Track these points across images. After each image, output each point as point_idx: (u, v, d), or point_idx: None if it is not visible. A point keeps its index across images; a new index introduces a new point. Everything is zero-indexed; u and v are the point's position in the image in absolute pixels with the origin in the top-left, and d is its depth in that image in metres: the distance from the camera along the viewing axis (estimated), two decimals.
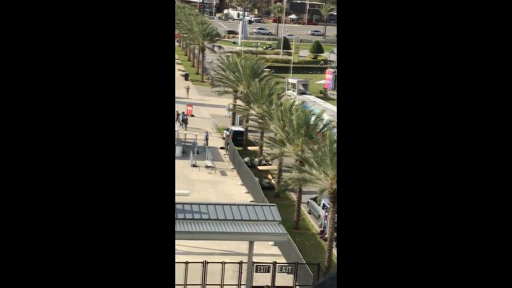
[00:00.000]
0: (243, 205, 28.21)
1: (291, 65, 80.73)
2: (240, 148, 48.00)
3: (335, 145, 29.74)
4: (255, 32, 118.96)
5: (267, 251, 30.59)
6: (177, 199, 30.18)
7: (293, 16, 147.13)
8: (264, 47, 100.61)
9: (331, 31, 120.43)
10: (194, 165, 43.91)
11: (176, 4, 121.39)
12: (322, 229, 34.63)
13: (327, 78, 75.71)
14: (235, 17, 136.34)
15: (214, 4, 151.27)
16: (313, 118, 38.21)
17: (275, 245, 31.42)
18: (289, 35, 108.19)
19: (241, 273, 26.67)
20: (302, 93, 68.23)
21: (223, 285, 26.61)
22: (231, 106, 56.74)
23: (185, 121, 53.89)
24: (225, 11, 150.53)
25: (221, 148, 49.11)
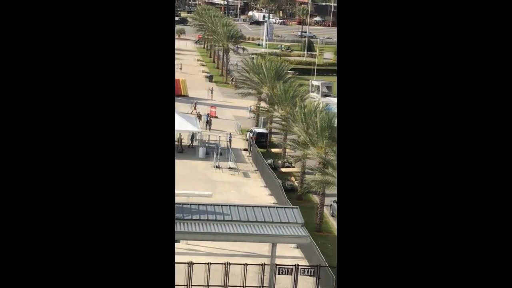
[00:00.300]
0: (266, 207, 28.18)
1: (315, 67, 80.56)
2: (263, 150, 47.97)
3: None
4: (299, 36, 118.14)
5: (289, 253, 30.51)
6: (200, 200, 30.35)
7: (317, 18, 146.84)
8: (284, 49, 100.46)
9: None
10: (217, 167, 43.97)
11: (201, 6, 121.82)
12: None
13: None
14: (260, 19, 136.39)
15: (239, 6, 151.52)
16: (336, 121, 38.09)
17: (297, 247, 31.32)
18: (327, 38, 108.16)
19: (263, 275, 26.62)
20: (326, 95, 68.02)
21: (245, 287, 26.58)
22: (252, 107, 56.83)
23: (209, 123, 54.01)
24: (250, 13, 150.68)
25: (244, 149, 49.11)
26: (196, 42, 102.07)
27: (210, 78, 75.27)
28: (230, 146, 48.20)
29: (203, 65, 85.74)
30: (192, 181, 39.38)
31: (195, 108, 57.26)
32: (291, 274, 26.61)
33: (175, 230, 25.78)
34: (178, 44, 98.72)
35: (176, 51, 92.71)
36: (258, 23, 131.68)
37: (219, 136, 49.43)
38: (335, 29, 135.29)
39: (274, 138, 51.66)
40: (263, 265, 26.67)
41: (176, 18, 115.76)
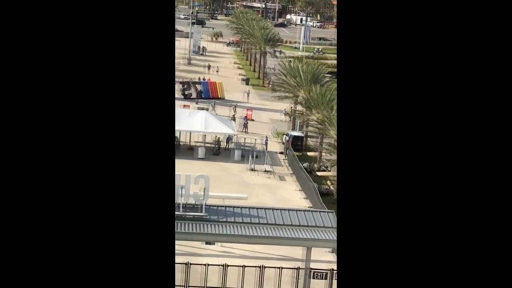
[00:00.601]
0: (301, 210, 28.09)
1: None
2: (299, 153, 47.85)
3: None
4: None
5: (324, 257, 30.34)
6: (235, 202, 30.38)
7: None
8: (315, 52, 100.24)
9: None
10: (252, 169, 43.98)
11: (239, 9, 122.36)
12: None
13: None
14: (298, 22, 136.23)
15: (277, 10, 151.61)
16: None
17: (332, 252, 31.14)
18: None
19: (298, 279, 26.52)
20: None
21: None
22: (286, 110, 56.83)
23: (245, 125, 54.14)
24: (288, 16, 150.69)
25: (280, 153, 49.04)
26: (227, 44, 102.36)
27: (246, 81, 75.40)
28: (266, 149, 48.17)
29: (239, 68, 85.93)
30: (227, 184, 39.45)
31: (235, 111, 57.52)
32: (326, 279, 26.45)
33: (210, 232, 25.88)
34: (216, 47, 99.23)
35: (213, 54, 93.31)
36: (282, 25, 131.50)
37: (255, 139, 49.45)
38: None
39: (310, 142, 51.49)
40: (297, 269, 26.57)
41: (193, 20, 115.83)
